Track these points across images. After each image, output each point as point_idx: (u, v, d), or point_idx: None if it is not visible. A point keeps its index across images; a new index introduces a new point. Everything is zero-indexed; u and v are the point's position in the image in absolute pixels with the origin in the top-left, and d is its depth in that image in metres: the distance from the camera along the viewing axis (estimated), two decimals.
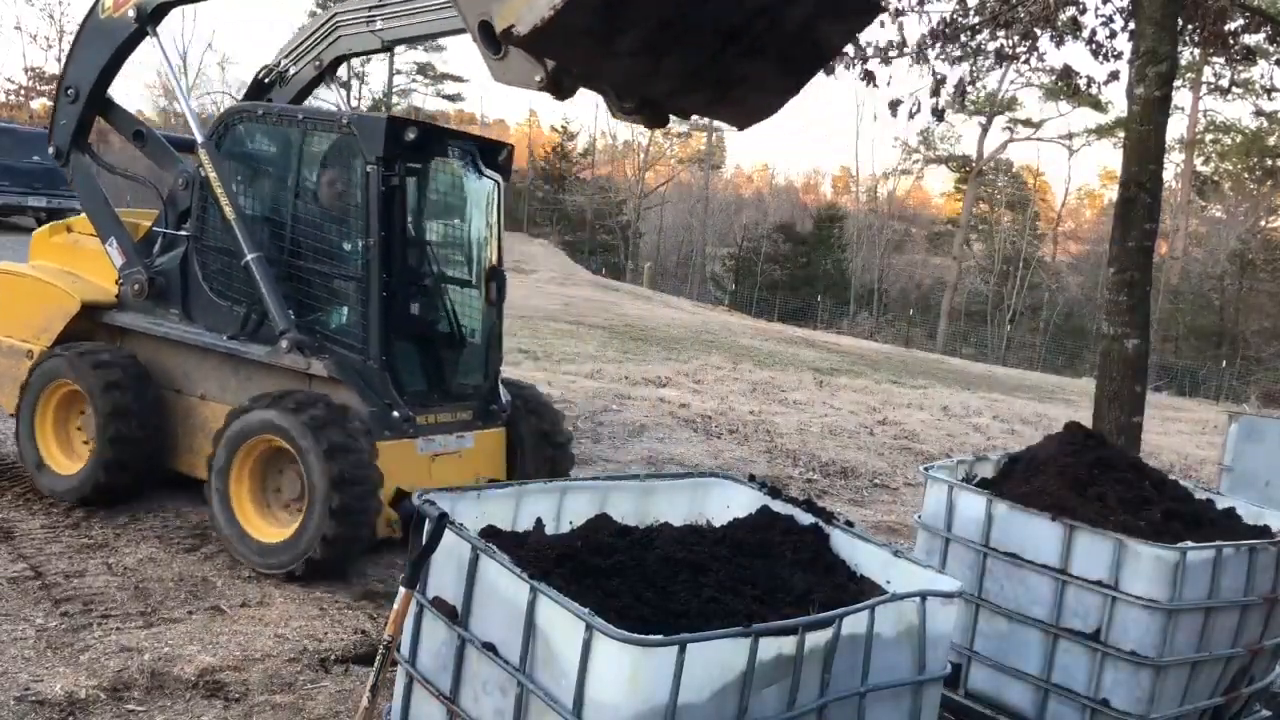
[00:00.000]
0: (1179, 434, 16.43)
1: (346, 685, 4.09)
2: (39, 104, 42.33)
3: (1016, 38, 9.31)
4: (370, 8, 6.18)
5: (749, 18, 4.66)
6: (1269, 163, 44.75)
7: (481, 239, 6.42)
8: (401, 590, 2.80)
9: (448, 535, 2.73)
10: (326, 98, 7.54)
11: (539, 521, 3.19)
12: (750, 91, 4.86)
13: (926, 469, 4.43)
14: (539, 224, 56.85)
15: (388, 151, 5.56)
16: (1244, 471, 7.08)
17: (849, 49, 8.93)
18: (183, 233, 6.24)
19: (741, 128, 4.91)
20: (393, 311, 5.78)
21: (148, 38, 6.19)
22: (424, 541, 2.73)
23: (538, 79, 4.82)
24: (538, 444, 6.53)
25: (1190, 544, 3.72)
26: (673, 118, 4.54)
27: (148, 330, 6.21)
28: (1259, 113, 41.96)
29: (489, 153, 6.22)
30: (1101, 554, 3.78)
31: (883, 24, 8.92)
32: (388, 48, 6.45)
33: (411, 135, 5.62)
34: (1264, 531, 4.18)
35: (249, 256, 5.72)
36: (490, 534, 2.90)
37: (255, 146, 6.24)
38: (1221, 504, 4.38)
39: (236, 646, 4.35)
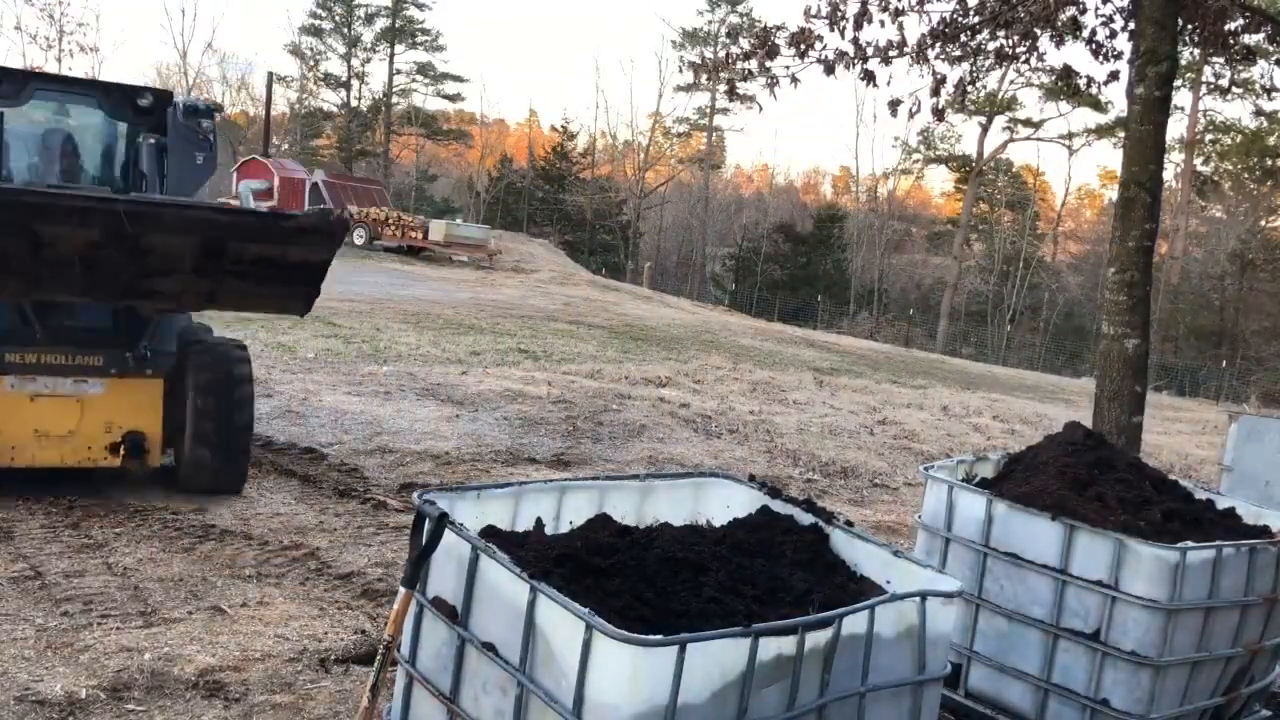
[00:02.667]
0: (1179, 434, 16.44)
1: (346, 685, 4.09)
2: None
3: (1016, 38, 9.30)
4: None
5: (145, 273, 5.54)
6: (1269, 163, 44.82)
7: (115, 188, 6.64)
8: (401, 590, 2.80)
9: (447, 535, 2.73)
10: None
11: (539, 521, 3.19)
12: (268, 299, 6.15)
13: (926, 469, 4.42)
14: (539, 224, 56.89)
15: None
16: (1244, 471, 7.09)
17: (849, 49, 8.95)
18: None
19: (300, 314, 6.14)
20: None
21: None
22: (424, 541, 2.73)
23: None
24: (207, 405, 6.35)
25: (1190, 544, 3.72)
26: None
27: None
28: (1259, 113, 42.15)
29: (118, 100, 6.76)
30: (1101, 554, 3.78)
31: (883, 24, 8.92)
32: None
33: None
34: (1264, 531, 4.17)
35: None
36: (490, 534, 2.90)
37: None
38: (1221, 504, 4.37)
39: (236, 646, 4.34)
